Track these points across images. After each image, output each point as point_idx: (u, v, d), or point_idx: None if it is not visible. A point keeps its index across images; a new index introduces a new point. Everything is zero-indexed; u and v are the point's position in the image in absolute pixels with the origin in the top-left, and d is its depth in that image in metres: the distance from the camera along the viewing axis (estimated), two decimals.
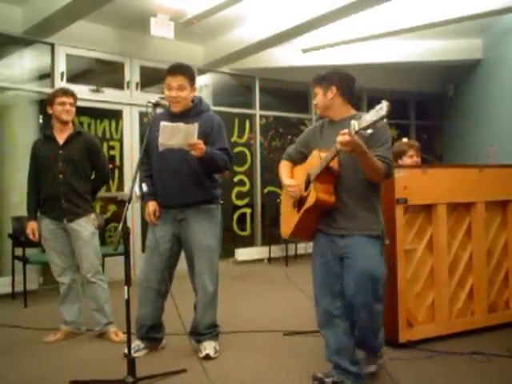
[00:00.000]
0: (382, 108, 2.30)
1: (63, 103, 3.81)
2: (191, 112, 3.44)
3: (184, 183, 3.37)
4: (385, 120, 2.35)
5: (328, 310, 2.85)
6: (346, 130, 2.45)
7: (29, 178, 3.96)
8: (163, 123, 3.14)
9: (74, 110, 3.87)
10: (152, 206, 3.47)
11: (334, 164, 2.70)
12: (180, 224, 3.45)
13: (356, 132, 2.42)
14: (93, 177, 3.99)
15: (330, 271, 2.83)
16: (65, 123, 3.85)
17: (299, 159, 3.02)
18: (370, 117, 2.36)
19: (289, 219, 2.99)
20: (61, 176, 3.79)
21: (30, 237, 3.90)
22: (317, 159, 2.75)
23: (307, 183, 2.83)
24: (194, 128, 3.15)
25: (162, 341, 3.65)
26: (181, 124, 3.15)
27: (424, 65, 7.99)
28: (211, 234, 3.48)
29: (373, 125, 2.36)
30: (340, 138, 2.47)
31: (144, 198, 3.52)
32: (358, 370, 2.84)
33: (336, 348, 2.85)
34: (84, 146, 3.87)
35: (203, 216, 3.45)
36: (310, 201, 2.74)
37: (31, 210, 3.92)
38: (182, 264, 3.61)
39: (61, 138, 3.84)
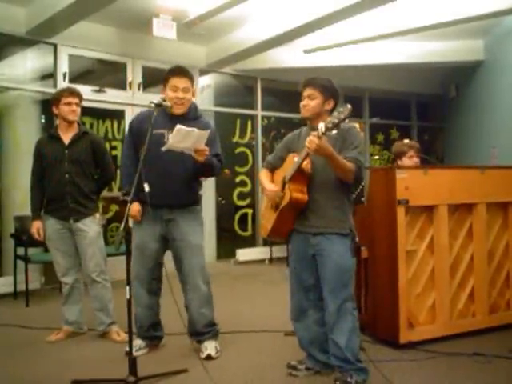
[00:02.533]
0: (344, 111, 2.56)
1: (69, 103, 3.81)
2: (189, 115, 3.46)
3: (175, 184, 3.38)
4: (358, 128, 2.69)
5: (301, 302, 3.09)
6: (315, 133, 2.63)
7: (32, 177, 3.94)
8: (179, 126, 3.11)
9: (79, 110, 3.88)
10: (136, 206, 3.39)
11: (307, 165, 2.87)
12: (167, 225, 3.45)
13: (323, 133, 2.61)
14: (97, 176, 3.99)
15: (304, 267, 3.03)
16: (70, 123, 3.85)
17: (280, 165, 3.17)
18: (332, 119, 2.58)
19: (268, 220, 3.17)
20: (67, 176, 3.78)
21: (36, 236, 3.90)
22: (291, 162, 2.95)
23: (283, 185, 2.99)
24: (206, 134, 3.17)
25: (162, 339, 3.67)
26: (195, 129, 3.16)
27: (426, 66, 7.99)
28: (199, 233, 3.53)
29: (336, 126, 2.58)
30: (307, 141, 2.66)
31: (127, 194, 3.41)
32: (327, 360, 3.03)
33: (308, 338, 3.11)
34: (90, 146, 3.87)
35: (190, 217, 3.48)
36: (285, 200, 2.92)
37: (36, 209, 3.91)
38: None
39: (66, 138, 3.84)
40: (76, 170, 3.81)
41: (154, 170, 3.32)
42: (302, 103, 2.99)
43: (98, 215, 3.92)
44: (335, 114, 2.60)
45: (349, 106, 2.59)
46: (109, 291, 3.88)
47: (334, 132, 2.61)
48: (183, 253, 3.46)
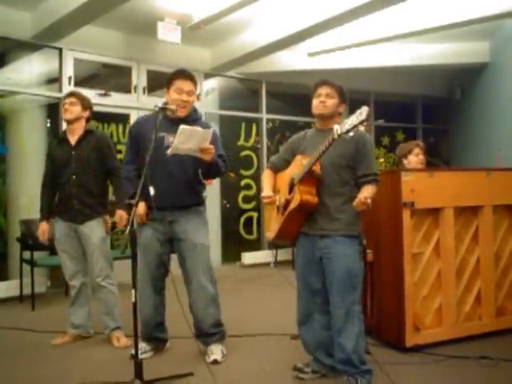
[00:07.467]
0: (362, 113, 2.50)
1: (64, 104, 3.90)
2: (189, 118, 3.47)
3: (177, 186, 3.40)
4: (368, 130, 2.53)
5: (308, 307, 3.06)
6: (367, 197, 2.67)
7: (43, 179, 3.98)
8: (183, 126, 3.13)
9: (75, 108, 3.85)
10: (143, 206, 3.39)
11: (317, 168, 2.85)
12: (170, 226, 3.46)
13: (339, 135, 2.59)
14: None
15: (311, 270, 3.00)
16: (71, 123, 3.87)
17: (283, 167, 3.17)
18: (350, 121, 2.54)
19: (273, 223, 3.14)
20: (74, 177, 3.80)
21: (40, 238, 3.91)
22: (299, 164, 2.92)
23: (291, 187, 2.96)
24: (209, 133, 3.20)
25: (166, 342, 3.66)
26: (198, 128, 3.18)
27: (431, 68, 7.97)
28: (203, 232, 3.52)
29: (354, 128, 2.54)
30: (360, 202, 2.67)
31: (133, 198, 3.29)
32: (333, 363, 2.99)
33: (315, 343, 3.08)
34: (96, 143, 3.87)
35: (193, 216, 3.49)
36: (295, 202, 2.88)
37: (43, 210, 3.93)
38: None
39: (73, 139, 3.87)
40: (83, 170, 3.81)
41: (156, 172, 3.35)
42: (320, 100, 2.94)
43: (106, 218, 3.94)
44: (353, 116, 2.55)
45: (366, 108, 2.53)
46: (114, 296, 3.87)
47: (351, 134, 2.58)
48: (186, 252, 3.46)
